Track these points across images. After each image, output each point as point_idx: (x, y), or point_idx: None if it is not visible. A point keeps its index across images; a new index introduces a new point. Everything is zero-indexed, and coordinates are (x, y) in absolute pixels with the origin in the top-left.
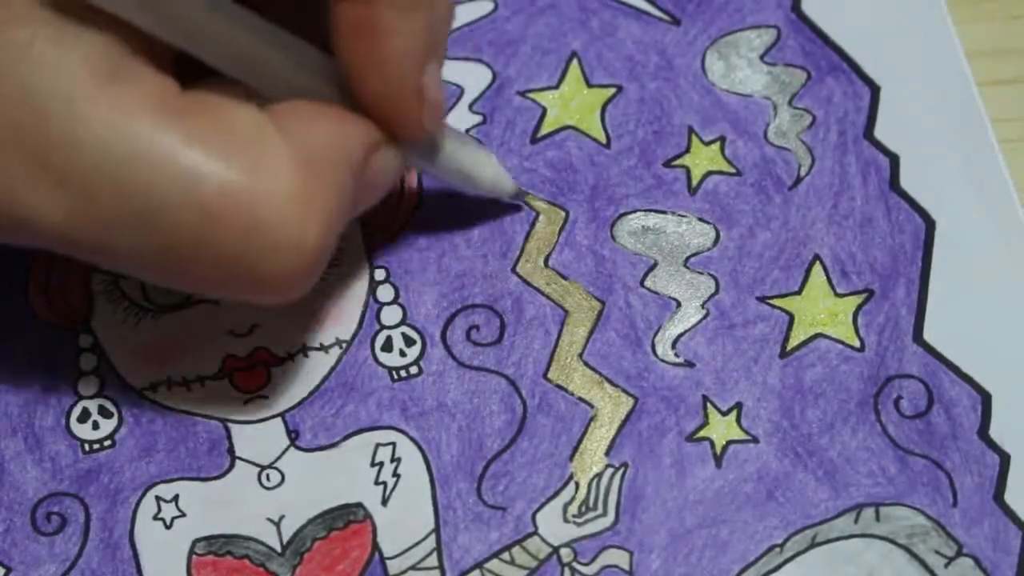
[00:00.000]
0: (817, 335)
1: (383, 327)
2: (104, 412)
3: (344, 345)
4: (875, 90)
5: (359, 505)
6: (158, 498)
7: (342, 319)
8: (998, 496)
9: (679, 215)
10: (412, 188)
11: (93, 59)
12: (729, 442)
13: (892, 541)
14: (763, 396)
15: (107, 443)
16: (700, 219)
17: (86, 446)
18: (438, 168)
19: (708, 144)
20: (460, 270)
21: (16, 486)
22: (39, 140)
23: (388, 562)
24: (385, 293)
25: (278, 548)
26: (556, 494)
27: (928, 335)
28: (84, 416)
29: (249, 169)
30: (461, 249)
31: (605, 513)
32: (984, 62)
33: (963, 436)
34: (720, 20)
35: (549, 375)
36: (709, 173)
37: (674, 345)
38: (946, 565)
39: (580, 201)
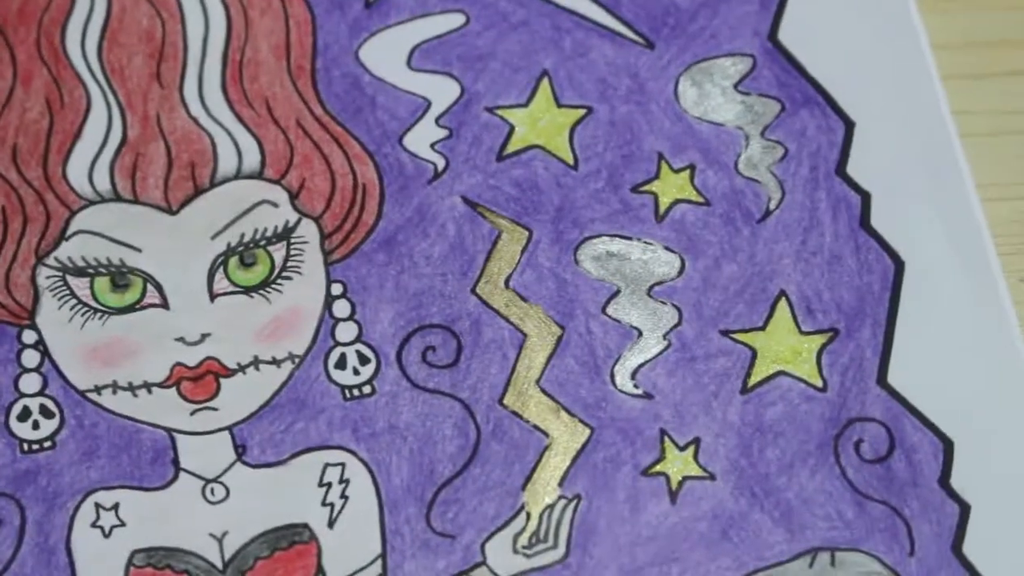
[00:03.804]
0: (779, 372)
1: (337, 343)
2: (45, 412)
3: (297, 360)
4: (849, 125)
5: (305, 526)
6: (97, 505)
7: (296, 333)
8: (956, 547)
9: (645, 242)
10: (373, 201)
11: None
12: (685, 478)
13: None
14: (722, 432)
15: (47, 444)
16: (666, 247)
17: (25, 445)
18: None
19: (678, 172)
20: (419, 288)
21: None
22: None
23: None
24: (341, 309)
25: (219, 565)
26: (507, 524)
27: (892, 378)
28: (24, 415)
29: None
30: (421, 266)
31: (556, 546)
32: (946, 55)
33: (924, 483)
34: (695, 46)
35: (505, 401)
36: (677, 201)
37: (633, 375)
38: None
39: (544, 222)
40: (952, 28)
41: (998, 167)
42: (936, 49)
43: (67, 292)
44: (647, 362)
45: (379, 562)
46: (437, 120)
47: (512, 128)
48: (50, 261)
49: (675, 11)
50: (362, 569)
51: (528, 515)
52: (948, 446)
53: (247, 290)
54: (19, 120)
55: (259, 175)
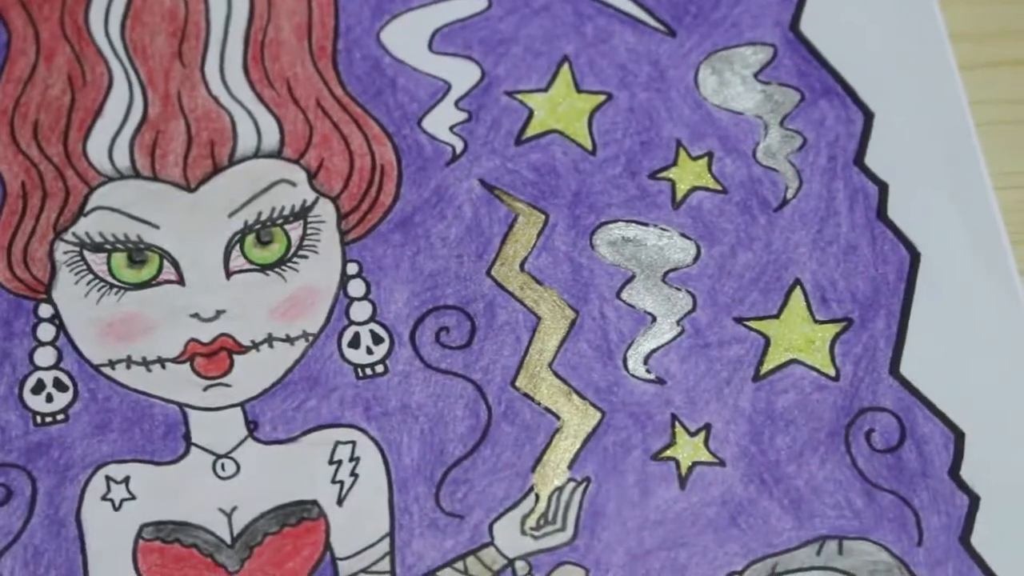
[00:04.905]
0: (792, 361)
1: (351, 323)
2: (59, 385)
3: (311, 338)
4: (868, 116)
5: (314, 503)
6: (108, 478)
7: (311, 311)
8: (964, 538)
9: (661, 228)
10: (391, 182)
11: None
12: (695, 463)
13: None
14: (733, 419)
15: (60, 417)
16: (682, 234)
17: (38, 418)
18: None
19: (696, 159)
20: (434, 269)
21: None
22: None
23: (340, 563)
24: (356, 288)
25: (228, 539)
26: (515, 505)
27: (905, 369)
28: (39, 387)
29: None
30: (437, 248)
31: (564, 528)
32: (960, 44)
33: (933, 474)
34: (716, 34)
35: (517, 383)
36: (694, 188)
37: (646, 360)
38: None
39: (561, 206)
40: (965, 17)
41: (1012, 155)
42: (950, 38)
43: (84, 267)
44: (660, 347)
45: (387, 540)
46: (457, 103)
47: (531, 112)
48: (68, 236)
49: None
50: (370, 547)
51: (537, 497)
52: (959, 437)
53: (263, 268)
54: (41, 96)
55: (278, 154)
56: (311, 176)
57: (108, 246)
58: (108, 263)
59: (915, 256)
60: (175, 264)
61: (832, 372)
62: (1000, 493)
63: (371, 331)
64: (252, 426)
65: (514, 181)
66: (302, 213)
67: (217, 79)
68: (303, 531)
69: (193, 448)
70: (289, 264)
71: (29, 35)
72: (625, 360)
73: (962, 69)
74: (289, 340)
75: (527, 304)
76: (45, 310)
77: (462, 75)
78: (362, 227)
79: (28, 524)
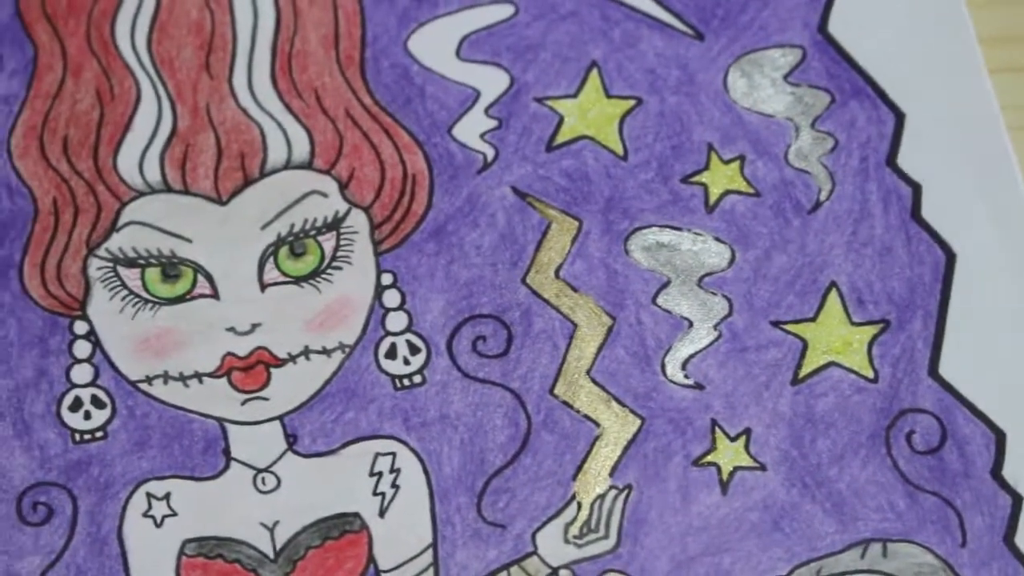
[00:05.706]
0: (830, 363)
1: (388, 333)
2: (97, 402)
3: (347, 350)
4: (900, 117)
5: (356, 515)
6: (149, 495)
7: (346, 323)
8: (1008, 538)
9: (695, 233)
10: (423, 191)
11: None
12: (736, 468)
13: None
14: (773, 423)
15: (99, 434)
16: (716, 238)
17: (77, 436)
18: None
19: (727, 162)
20: (469, 278)
21: (2, 472)
22: None
23: (383, 575)
24: (391, 298)
25: (271, 554)
26: (558, 514)
27: (944, 370)
28: (76, 405)
29: None
30: (471, 256)
31: (607, 536)
32: (995, 49)
33: (975, 475)
34: (745, 37)
35: (555, 391)
36: (727, 192)
37: (684, 366)
38: None
39: (594, 212)
40: (992, 21)
41: None
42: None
43: (118, 283)
44: (698, 352)
45: (430, 551)
46: (486, 110)
47: (561, 119)
48: (101, 252)
49: (725, 2)
50: (413, 558)
51: (579, 505)
52: (1000, 437)
53: (297, 280)
54: (70, 112)
55: (308, 165)
56: (342, 186)
57: (142, 261)
58: (142, 278)
59: (950, 256)
60: (209, 278)
61: (871, 374)
62: None
63: (408, 341)
64: (291, 439)
65: (546, 188)
66: (334, 224)
67: (245, 91)
68: (346, 544)
69: (233, 463)
70: (323, 276)
71: (56, 50)
72: (663, 366)
73: (991, 73)
74: (326, 352)
75: (563, 311)
76: (80, 327)
77: (491, 82)
78: (395, 237)
79: (70, 543)
